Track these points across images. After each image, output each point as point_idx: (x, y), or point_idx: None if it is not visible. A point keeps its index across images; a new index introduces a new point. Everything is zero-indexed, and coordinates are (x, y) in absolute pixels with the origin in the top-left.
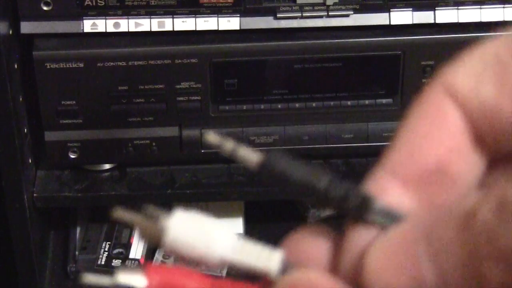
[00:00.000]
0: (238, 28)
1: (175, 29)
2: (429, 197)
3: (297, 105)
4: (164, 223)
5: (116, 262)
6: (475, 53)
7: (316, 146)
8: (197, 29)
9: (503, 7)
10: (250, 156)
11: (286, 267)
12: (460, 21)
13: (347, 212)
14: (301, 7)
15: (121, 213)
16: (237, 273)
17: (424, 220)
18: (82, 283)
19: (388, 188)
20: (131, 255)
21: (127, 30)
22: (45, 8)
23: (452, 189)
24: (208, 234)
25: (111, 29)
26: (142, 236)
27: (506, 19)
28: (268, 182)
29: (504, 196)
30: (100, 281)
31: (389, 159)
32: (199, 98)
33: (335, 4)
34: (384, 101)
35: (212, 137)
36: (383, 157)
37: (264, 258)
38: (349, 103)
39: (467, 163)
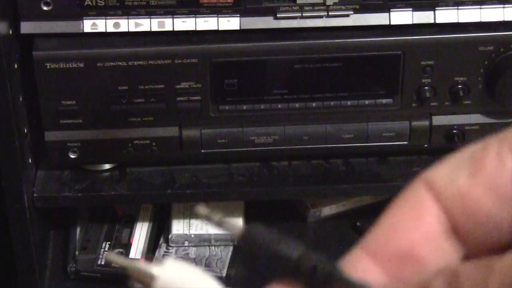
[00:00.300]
0: (238, 28)
1: (175, 29)
2: (398, 277)
3: (297, 105)
4: (156, 270)
5: None
6: (454, 155)
7: (316, 146)
8: (197, 29)
9: (503, 7)
10: (233, 228)
11: None
12: (460, 21)
13: (317, 283)
14: (301, 7)
15: (114, 257)
16: (236, 273)
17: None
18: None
19: (362, 264)
20: (131, 255)
21: (127, 30)
22: (45, 8)
23: (421, 273)
24: (196, 285)
25: (111, 29)
26: (134, 279)
27: (506, 19)
28: (248, 254)
29: (456, 272)
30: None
31: (367, 240)
32: (199, 98)
33: (335, 4)
34: (384, 101)
35: (201, 209)
36: (363, 238)
37: None
38: (349, 103)
39: (439, 251)
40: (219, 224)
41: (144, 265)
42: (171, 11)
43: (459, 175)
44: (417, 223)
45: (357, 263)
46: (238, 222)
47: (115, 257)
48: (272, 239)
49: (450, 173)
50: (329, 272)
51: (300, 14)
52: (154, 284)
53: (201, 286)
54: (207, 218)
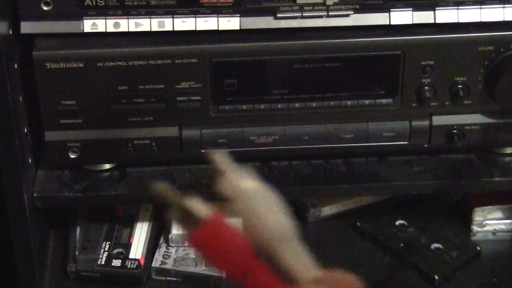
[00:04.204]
0: (238, 28)
1: (175, 29)
2: None
3: (297, 105)
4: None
5: (116, 262)
6: None
7: (316, 146)
8: (197, 29)
9: (503, 7)
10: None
11: None
12: (460, 21)
13: None
14: (301, 7)
15: (161, 188)
16: None
17: None
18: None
19: None
20: (131, 255)
21: (127, 30)
22: (45, 8)
23: None
24: None
25: (111, 29)
26: (176, 215)
27: (506, 19)
28: None
29: None
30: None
31: None
32: (199, 98)
33: (335, 4)
34: (384, 101)
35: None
36: None
37: (305, 266)
38: (349, 103)
39: None
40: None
41: (190, 204)
42: (171, 11)
43: None
44: None
45: None
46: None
47: (165, 189)
48: None
49: None
50: None
51: (300, 14)
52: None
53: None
54: (165, 198)
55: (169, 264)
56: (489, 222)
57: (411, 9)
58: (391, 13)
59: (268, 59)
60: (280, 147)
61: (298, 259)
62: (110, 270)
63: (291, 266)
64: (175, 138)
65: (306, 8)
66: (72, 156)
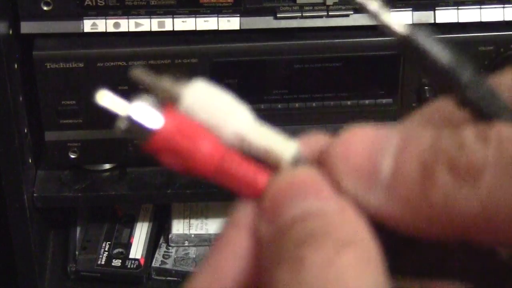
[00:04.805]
0: (238, 28)
1: (175, 29)
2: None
3: (297, 105)
4: (184, 86)
5: (116, 262)
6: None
7: None
8: (197, 29)
9: (503, 7)
10: (395, 25)
11: (298, 160)
12: (460, 21)
13: (480, 109)
14: (301, 7)
15: (138, 73)
16: None
17: (406, 127)
18: (96, 101)
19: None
20: (131, 255)
21: (127, 30)
22: (45, 8)
23: None
24: (227, 106)
25: (111, 29)
26: (157, 95)
27: (506, 19)
28: (410, 59)
29: (494, 127)
30: (114, 106)
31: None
32: None
33: (335, 4)
34: (384, 101)
35: (135, 72)
36: None
37: (280, 144)
38: (349, 103)
39: None
40: (377, 17)
41: (170, 84)
42: (171, 11)
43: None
44: None
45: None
46: (399, 22)
47: (140, 73)
48: (440, 49)
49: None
50: (497, 99)
51: (300, 14)
52: (180, 103)
53: (231, 109)
54: (142, 82)
55: (169, 264)
56: None
57: (411, 9)
58: (391, 13)
59: (268, 59)
60: None
61: (273, 140)
62: (110, 270)
63: (268, 148)
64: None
65: (306, 8)
66: (72, 156)
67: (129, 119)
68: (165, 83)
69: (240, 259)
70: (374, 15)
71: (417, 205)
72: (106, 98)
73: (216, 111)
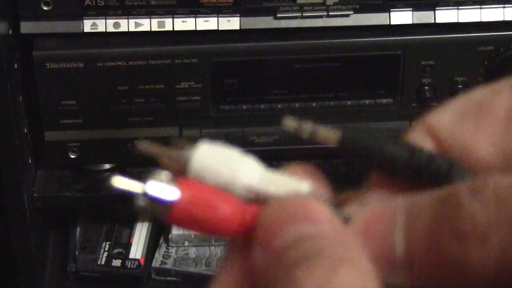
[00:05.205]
0: (238, 28)
1: (175, 29)
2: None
3: (297, 105)
4: (190, 152)
5: (116, 262)
6: (458, 100)
7: (316, 146)
8: (197, 29)
9: (503, 7)
10: (329, 135)
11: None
12: (460, 21)
13: (430, 178)
14: (301, 7)
15: (144, 145)
16: None
17: (410, 200)
18: (112, 186)
19: (419, 138)
20: (131, 255)
21: (127, 30)
22: (45, 8)
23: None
24: (234, 162)
25: (111, 29)
26: (165, 166)
27: (506, 19)
28: (350, 157)
29: (488, 181)
30: (129, 187)
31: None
32: (199, 98)
33: (335, 4)
34: (384, 101)
35: (290, 121)
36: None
37: (293, 187)
38: (349, 103)
39: None
40: (311, 135)
41: (176, 152)
42: (171, 11)
43: (463, 124)
44: None
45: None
46: (331, 129)
47: (146, 145)
48: (375, 140)
49: (454, 120)
50: (449, 168)
51: (300, 14)
52: (188, 168)
53: (235, 165)
54: (297, 130)
55: (169, 264)
56: None
57: (411, 9)
58: (391, 13)
59: (268, 59)
60: (280, 147)
61: (285, 184)
62: (110, 270)
63: (282, 194)
64: (175, 138)
65: (306, 8)
66: (72, 156)
67: (146, 196)
68: (171, 152)
69: None
70: (310, 135)
71: (434, 275)
72: (120, 181)
73: (224, 170)
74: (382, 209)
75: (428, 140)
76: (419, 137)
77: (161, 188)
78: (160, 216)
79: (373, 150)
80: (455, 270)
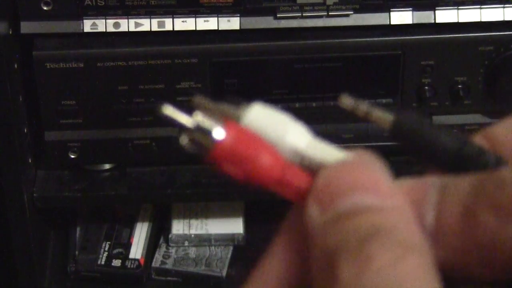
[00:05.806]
0: (238, 28)
1: (175, 29)
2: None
3: (297, 105)
4: (243, 111)
5: (116, 262)
6: None
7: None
8: (197, 29)
9: (503, 7)
10: (383, 116)
11: None
12: (460, 21)
13: (477, 171)
14: (301, 7)
15: (201, 100)
16: (236, 273)
17: (448, 177)
18: (161, 113)
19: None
20: (131, 255)
21: (127, 30)
22: (45, 8)
23: None
24: (284, 124)
25: (111, 29)
26: (219, 119)
27: (506, 19)
28: (401, 142)
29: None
30: (179, 117)
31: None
32: None
33: (335, 4)
34: (384, 101)
35: (346, 99)
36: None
37: (337, 157)
38: None
39: None
40: (366, 115)
41: (230, 108)
42: (171, 11)
43: None
44: None
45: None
46: (386, 112)
47: (202, 100)
48: (428, 126)
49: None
50: (496, 163)
51: (300, 14)
52: (240, 123)
53: (288, 130)
54: (354, 109)
55: (169, 264)
56: None
57: (411, 9)
58: (391, 13)
59: (268, 59)
60: None
61: (330, 154)
62: (110, 270)
63: (325, 162)
64: (175, 138)
65: (306, 8)
66: (72, 156)
67: (193, 130)
68: (225, 107)
69: (285, 263)
70: (365, 115)
71: (463, 249)
72: (171, 110)
73: (274, 129)
74: (417, 183)
75: (484, 142)
76: (477, 139)
77: (209, 124)
78: (203, 152)
79: (425, 136)
80: (486, 244)
